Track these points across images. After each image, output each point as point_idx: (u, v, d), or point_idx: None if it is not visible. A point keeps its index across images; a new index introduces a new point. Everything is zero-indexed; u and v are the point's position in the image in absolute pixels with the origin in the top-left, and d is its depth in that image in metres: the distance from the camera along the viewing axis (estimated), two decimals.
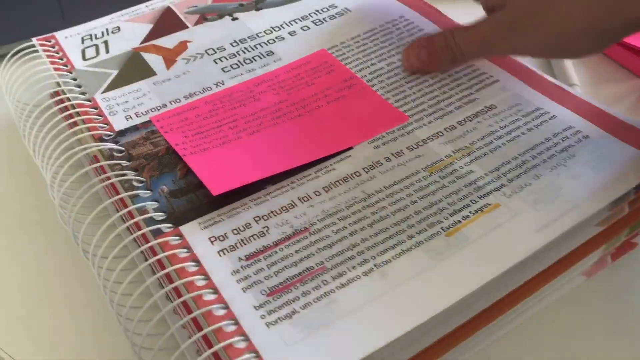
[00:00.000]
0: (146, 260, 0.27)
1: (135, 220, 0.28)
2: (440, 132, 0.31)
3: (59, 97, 0.36)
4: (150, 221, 0.28)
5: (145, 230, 0.27)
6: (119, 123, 0.33)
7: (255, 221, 0.28)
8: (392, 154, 0.30)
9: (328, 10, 0.40)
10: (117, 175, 0.30)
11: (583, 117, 0.31)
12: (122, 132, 0.33)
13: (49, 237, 0.33)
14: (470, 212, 0.27)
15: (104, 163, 0.31)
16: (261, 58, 0.37)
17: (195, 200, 0.29)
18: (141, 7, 0.42)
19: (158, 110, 0.34)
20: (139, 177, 0.30)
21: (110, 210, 0.31)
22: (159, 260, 0.27)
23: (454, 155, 0.30)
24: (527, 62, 0.35)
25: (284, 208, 0.28)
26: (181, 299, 0.25)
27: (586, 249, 0.28)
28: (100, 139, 0.32)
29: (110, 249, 0.27)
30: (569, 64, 0.38)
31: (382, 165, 0.29)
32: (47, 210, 0.33)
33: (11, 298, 0.31)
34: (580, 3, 0.27)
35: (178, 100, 0.34)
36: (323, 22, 0.39)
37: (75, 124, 0.34)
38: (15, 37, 0.45)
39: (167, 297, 0.27)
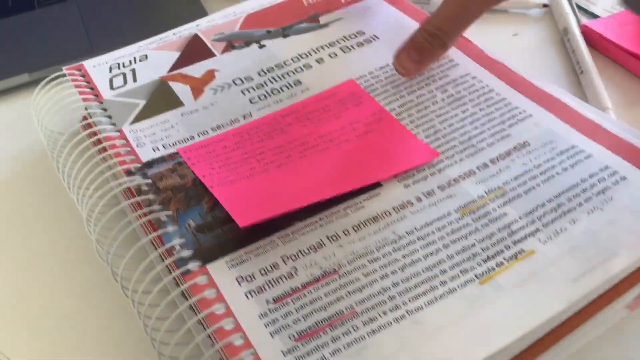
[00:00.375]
0: (179, 298, 0.27)
1: (167, 261, 0.27)
2: (472, 170, 0.30)
3: (90, 129, 0.36)
4: (179, 262, 0.27)
5: (176, 273, 0.27)
6: (147, 155, 0.33)
7: (284, 261, 0.27)
8: (423, 194, 0.29)
9: (356, 37, 0.40)
10: (146, 213, 0.30)
11: (620, 156, 0.30)
12: (149, 164, 0.33)
13: (85, 271, 0.33)
14: (504, 259, 0.26)
15: (135, 200, 0.30)
16: (289, 88, 0.37)
17: (222, 236, 0.28)
18: (169, 35, 0.42)
19: (185, 142, 0.34)
20: (166, 212, 0.30)
21: (147, 246, 0.30)
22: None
23: (487, 196, 0.29)
24: (560, 89, 0.34)
25: (312, 247, 0.28)
26: (214, 348, 0.25)
27: (629, 282, 0.27)
28: (129, 171, 0.32)
29: (147, 284, 0.27)
30: (601, 87, 0.38)
31: (413, 205, 0.29)
32: (82, 242, 0.33)
33: (51, 335, 0.31)
34: None
35: (206, 132, 0.34)
36: (351, 50, 0.39)
37: (106, 159, 0.34)
38: (44, 64, 0.46)
39: (196, 331, 0.26)
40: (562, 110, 0.33)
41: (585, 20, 0.44)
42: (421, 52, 0.35)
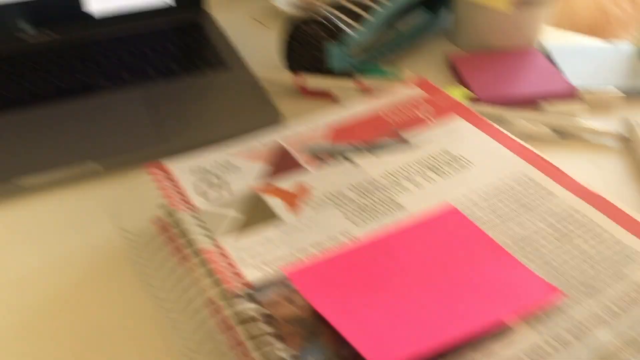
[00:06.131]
0: None
1: None
2: (598, 314, 0.29)
3: (176, 235, 0.34)
4: None
5: None
6: (251, 274, 0.32)
7: None
8: (558, 342, 0.28)
9: (450, 162, 0.39)
10: (261, 345, 0.28)
11: None
12: (259, 287, 0.31)
13: None
14: None
15: (246, 333, 0.29)
16: (386, 209, 0.36)
17: None
18: (248, 142, 0.42)
19: (286, 259, 0.32)
20: (288, 350, 0.28)
21: None
22: None
23: (624, 349, 0.28)
24: None
25: None
26: None
27: None
28: (235, 294, 0.30)
29: None
30: None
31: (550, 356, 0.28)
32: None
33: None
34: None
35: (305, 249, 0.33)
36: (445, 174, 0.38)
37: (197, 265, 0.32)
38: (113, 151, 0.45)
39: None
40: None
41: None
42: None
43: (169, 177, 0.39)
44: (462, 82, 0.54)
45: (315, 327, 0.29)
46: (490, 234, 0.34)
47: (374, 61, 0.56)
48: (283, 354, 0.28)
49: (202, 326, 0.29)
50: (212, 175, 0.39)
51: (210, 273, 0.32)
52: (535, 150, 0.40)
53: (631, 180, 0.44)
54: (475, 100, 0.51)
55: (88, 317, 0.34)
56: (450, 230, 0.34)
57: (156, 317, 0.33)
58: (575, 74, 0.54)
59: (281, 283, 0.31)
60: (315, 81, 0.53)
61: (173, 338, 0.30)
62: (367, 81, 0.52)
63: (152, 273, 0.33)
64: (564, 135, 0.48)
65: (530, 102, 0.52)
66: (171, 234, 0.35)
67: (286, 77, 0.53)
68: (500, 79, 0.53)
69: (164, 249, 0.34)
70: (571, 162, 0.45)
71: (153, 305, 0.32)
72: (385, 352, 0.27)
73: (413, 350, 0.27)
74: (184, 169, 0.39)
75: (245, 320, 0.29)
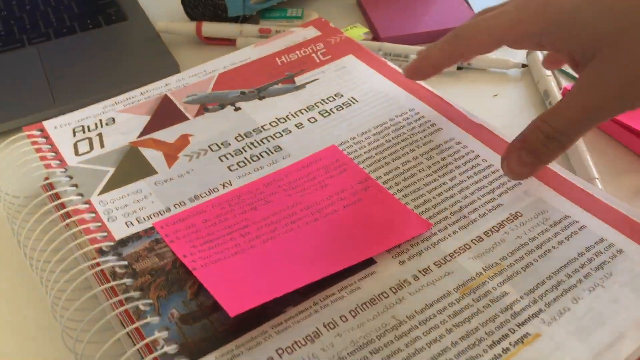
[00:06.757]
0: None
1: (149, 358, 0.25)
2: (467, 244, 0.29)
3: (55, 200, 0.33)
4: (164, 358, 0.25)
5: None
6: (119, 231, 0.31)
7: (279, 355, 0.25)
8: (420, 271, 0.28)
9: (334, 99, 0.39)
10: (122, 301, 0.27)
11: (614, 227, 0.30)
12: (124, 242, 0.30)
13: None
14: (510, 344, 0.25)
15: (109, 285, 0.28)
16: (269, 154, 0.35)
17: (209, 328, 0.26)
18: (136, 95, 0.40)
19: (161, 215, 0.32)
20: (146, 300, 0.27)
21: (124, 340, 0.28)
22: None
23: (485, 273, 0.28)
24: None
25: (309, 338, 0.26)
26: None
27: None
28: (101, 250, 0.30)
29: None
30: (586, 157, 0.37)
31: (411, 285, 0.28)
32: (47, 330, 0.30)
33: None
34: None
35: (183, 203, 0.32)
36: (330, 114, 0.38)
37: (70, 226, 0.31)
38: (3, 117, 0.43)
39: None
40: (551, 178, 0.33)
41: (566, 84, 0.45)
42: (536, 155, 0.30)
43: (45, 136, 0.37)
44: (368, 21, 0.52)
45: (178, 277, 0.28)
46: (369, 170, 0.34)
47: (278, 6, 0.54)
48: (143, 306, 0.27)
49: (74, 282, 0.29)
50: (91, 132, 0.37)
51: (81, 233, 0.31)
52: (427, 87, 0.39)
53: (531, 110, 0.43)
54: (378, 39, 0.50)
55: None
56: (328, 169, 0.34)
57: (30, 276, 0.32)
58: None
59: (148, 235, 0.30)
60: (215, 28, 0.51)
61: (47, 297, 0.29)
62: (270, 25, 0.51)
63: (31, 235, 0.32)
64: (466, 68, 0.47)
65: (437, 38, 0.51)
66: (52, 196, 0.34)
67: (188, 26, 0.52)
68: (404, 17, 0.51)
69: (51, 212, 0.33)
70: (472, 94, 0.45)
71: (29, 266, 0.31)
72: (243, 299, 0.27)
73: (271, 294, 0.27)
74: (63, 127, 0.38)
75: (110, 274, 0.29)
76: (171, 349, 0.25)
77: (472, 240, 0.30)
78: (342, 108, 0.38)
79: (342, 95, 0.39)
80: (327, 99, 0.39)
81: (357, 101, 0.39)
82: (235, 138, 0.36)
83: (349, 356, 0.25)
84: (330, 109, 0.38)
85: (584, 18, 0.28)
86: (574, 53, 0.30)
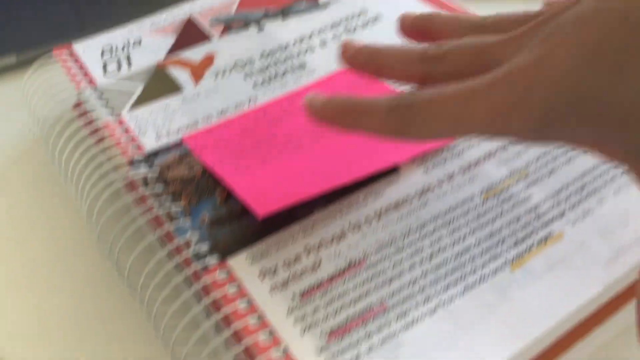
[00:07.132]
0: (196, 296, 0.26)
1: (182, 257, 0.26)
2: (492, 152, 0.29)
3: (83, 114, 0.34)
4: (195, 257, 0.26)
5: (194, 268, 0.26)
6: (150, 143, 0.32)
7: (307, 253, 0.26)
8: (444, 177, 0.29)
9: (359, 16, 0.38)
10: (154, 206, 0.28)
11: None
12: (155, 153, 0.31)
13: (87, 270, 0.31)
14: (533, 243, 0.25)
15: (142, 192, 0.29)
16: (293, 71, 0.35)
17: (238, 230, 0.27)
18: (161, 18, 0.40)
19: (189, 128, 0.32)
20: (177, 205, 0.28)
21: (153, 243, 0.29)
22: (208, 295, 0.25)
23: (509, 178, 0.28)
24: None
25: (336, 237, 0.27)
26: (239, 347, 0.24)
27: None
28: (132, 162, 0.31)
29: (160, 285, 0.26)
30: None
31: (435, 191, 0.28)
32: (83, 238, 0.32)
33: (50, 336, 0.29)
34: None
35: (210, 117, 0.33)
36: (355, 30, 0.38)
37: (102, 140, 0.32)
38: (32, 43, 0.43)
39: (216, 330, 0.25)
40: None
41: None
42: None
43: (75, 58, 0.38)
44: None
45: (208, 185, 0.29)
46: (393, 86, 0.33)
47: None
48: (174, 210, 0.28)
49: (108, 189, 0.30)
50: (119, 53, 0.38)
51: (113, 145, 0.32)
52: (452, 4, 0.38)
53: None
54: None
55: (4, 202, 0.35)
56: (355, 85, 0.34)
57: (64, 188, 0.33)
58: None
59: (177, 148, 0.31)
60: None
61: (79, 202, 0.31)
62: None
63: (70, 157, 0.33)
64: None
65: None
66: (83, 115, 0.35)
67: None
68: None
69: (82, 131, 0.34)
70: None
71: (63, 180, 0.33)
72: (270, 202, 0.27)
73: (297, 197, 0.27)
74: (92, 49, 0.38)
75: (142, 182, 0.30)
76: (202, 247, 0.26)
77: (496, 149, 0.30)
78: (367, 25, 0.38)
79: (367, 12, 0.39)
80: (352, 16, 0.39)
81: (383, 17, 0.38)
82: (260, 56, 0.36)
83: (374, 254, 0.26)
84: (355, 27, 0.38)
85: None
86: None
